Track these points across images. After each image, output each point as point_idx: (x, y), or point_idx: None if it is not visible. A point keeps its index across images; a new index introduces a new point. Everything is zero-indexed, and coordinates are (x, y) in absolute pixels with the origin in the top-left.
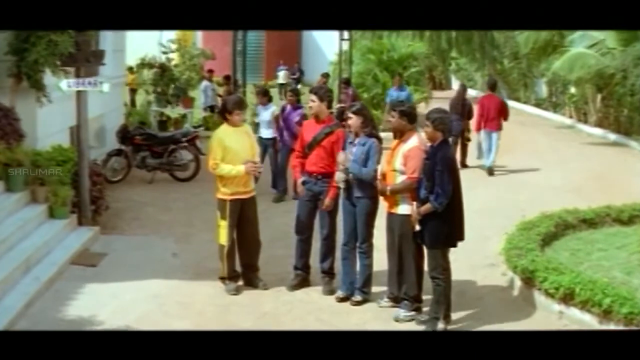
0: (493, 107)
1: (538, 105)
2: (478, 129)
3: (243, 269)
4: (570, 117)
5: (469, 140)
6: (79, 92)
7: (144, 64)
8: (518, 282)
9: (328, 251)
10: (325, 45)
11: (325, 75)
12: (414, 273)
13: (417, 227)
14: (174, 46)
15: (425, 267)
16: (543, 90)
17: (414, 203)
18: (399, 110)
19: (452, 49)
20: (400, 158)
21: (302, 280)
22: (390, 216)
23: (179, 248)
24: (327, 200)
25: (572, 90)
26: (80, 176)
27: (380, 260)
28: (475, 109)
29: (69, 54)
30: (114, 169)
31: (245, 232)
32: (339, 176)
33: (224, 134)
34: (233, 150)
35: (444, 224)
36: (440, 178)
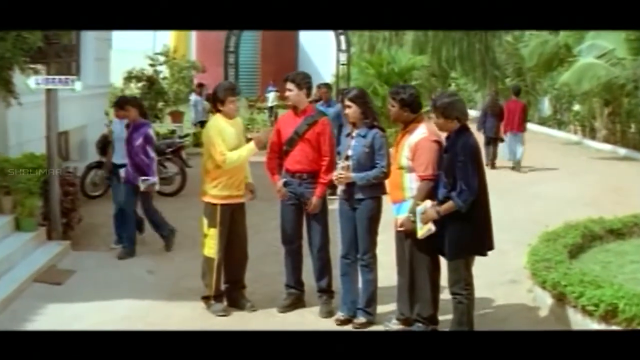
0: (518, 111)
1: (542, 123)
2: (505, 132)
3: (228, 286)
4: (576, 134)
5: (501, 140)
6: (48, 91)
7: (131, 77)
8: (548, 300)
9: (324, 266)
10: (322, 67)
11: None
12: (429, 289)
13: (433, 228)
14: (162, 58)
15: (443, 282)
16: (546, 108)
17: (427, 201)
18: (399, 100)
19: (453, 69)
20: (407, 151)
21: (296, 300)
22: None
23: (157, 266)
24: (314, 199)
25: (577, 107)
26: (49, 185)
27: (388, 274)
28: None
29: (38, 48)
30: (94, 183)
31: (233, 242)
32: (339, 174)
33: (220, 124)
34: (231, 145)
35: (468, 227)
36: (463, 171)
